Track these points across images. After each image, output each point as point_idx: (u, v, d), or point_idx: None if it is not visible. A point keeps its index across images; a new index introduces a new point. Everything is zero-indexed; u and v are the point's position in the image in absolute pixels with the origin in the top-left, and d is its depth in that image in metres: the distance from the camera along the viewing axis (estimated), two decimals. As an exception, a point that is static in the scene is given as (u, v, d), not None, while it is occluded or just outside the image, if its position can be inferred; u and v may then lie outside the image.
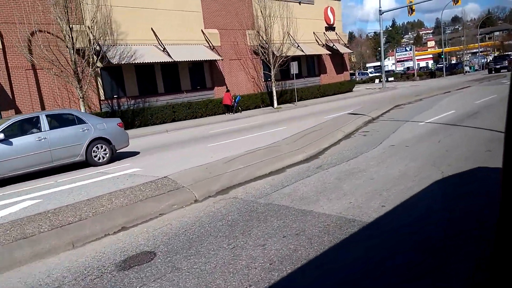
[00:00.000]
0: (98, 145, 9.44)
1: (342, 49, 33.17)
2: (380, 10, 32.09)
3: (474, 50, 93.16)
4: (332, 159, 7.77)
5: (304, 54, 28.72)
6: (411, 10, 31.16)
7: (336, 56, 33.84)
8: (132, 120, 19.96)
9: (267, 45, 25.04)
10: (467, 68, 56.04)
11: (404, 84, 38.97)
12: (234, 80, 25.37)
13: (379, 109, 14.49)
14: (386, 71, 55.75)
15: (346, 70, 35.79)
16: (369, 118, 12.55)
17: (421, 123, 11.08)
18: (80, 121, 9.27)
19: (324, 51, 31.28)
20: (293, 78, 26.97)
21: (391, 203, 4.90)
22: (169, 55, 20.60)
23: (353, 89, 35.42)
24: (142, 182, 6.41)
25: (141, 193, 5.53)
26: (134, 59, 19.40)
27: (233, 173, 6.51)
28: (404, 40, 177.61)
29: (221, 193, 6.05)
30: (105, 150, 9.55)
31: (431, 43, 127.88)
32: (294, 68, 24.59)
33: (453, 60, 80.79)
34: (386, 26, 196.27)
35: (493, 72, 40.43)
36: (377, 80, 47.89)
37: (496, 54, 55.76)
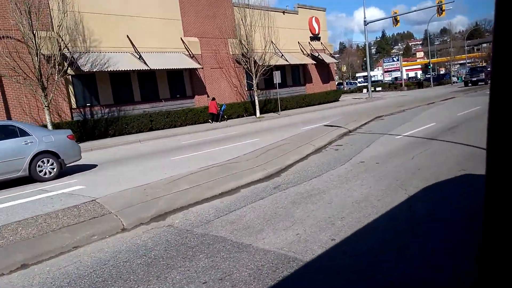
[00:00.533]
0: (44, 159, 8.60)
1: (327, 59, 32.78)
2: (365, 21, 31.85)
3: (463, 61, 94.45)
4: (293, 178, 7.05)
5: (288, 63, 28.23)
6: (395, 21, 30.96)
7: (322, 65, 33.46)
8: (106, 129, 19.11)
9: (248, 54, 24.52)
10: (454, 79, 56.26)
11: (391, 94, 38.71)
12: (216, 89, 24.69)
13: (358, 121, 13.89)
14: (375, 81, 55.90)
15: (332, 79, 35.40)
16: (346, 131, 11.91)
17: (398, 137, 10.45)
18: (23, 133, 8.43)
19: (308, 61, 30.85)
20: (277, 87, 26.42)
21: (343, 234, 4.18)
22: (145, 63, 19.86)
23: (340, 99, 34.99)
24: (71, 204, 5.61)
25: (57, 221, 4.73)
26: (107, 67, 18.60)
27: (175, 195, 5.74)
28: (394, 50, 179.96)
29: (156, 220, 5.27)
30: (52, 164, 8.71)
31: (420, 54, 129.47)
32: (277, 77, 24.02)
33: (442, 70, 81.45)
34: (376, 37, 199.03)
35: (470, 84, 39.52)
36: (365, 90, 47.65)
37: (472, 66, 55.40)
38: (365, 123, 13.75)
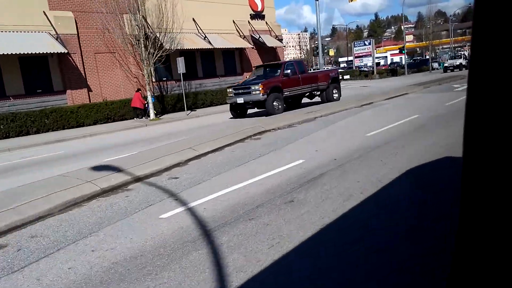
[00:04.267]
0: None
1: (271, 42, 27.12)
2: (316, -6, 26.10)
3: (455, 45, 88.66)
4: None
5: (212, 47, 22.62)
6: (352, -4, 25.32)
7: (268, 51, 27.85)
8: None
9: (154, 35, 18.98)
10: (435, 65, 50.76)
11: (354, 85, 33.19)
12: (104, 81, 19.13)
13: (216, 142, 8.56)
14: (355, 67, 50.02)
15: (281, 67, 29.79)
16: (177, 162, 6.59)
17: (199, 202, 5.15)
18: None
19: (245, 44, 25.21)
20: (196, 77, 21.03)
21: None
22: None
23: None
24: None
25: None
26: None
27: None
28: (386, 34, 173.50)
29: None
30: None
31: (409, 37, 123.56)
32: (180, 65, 18.46)
33: (427, 55, 75.74)
34: (371, 20, 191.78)
35: (448, 71, 36.90)
36: (332, 78, 42.16)
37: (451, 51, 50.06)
38: (220, 148, 8.39)
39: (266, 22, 28.03)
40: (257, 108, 14.91)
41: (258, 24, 27.39)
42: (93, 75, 18.61)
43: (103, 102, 17.91)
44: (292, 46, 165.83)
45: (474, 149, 0.70)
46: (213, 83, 24.31)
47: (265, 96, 13.81)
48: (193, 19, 22.81)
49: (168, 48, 19.73)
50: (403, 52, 41.99)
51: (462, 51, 66.08)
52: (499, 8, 0.60)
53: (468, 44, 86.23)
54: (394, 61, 76.92)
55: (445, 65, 39.63)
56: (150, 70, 21.07)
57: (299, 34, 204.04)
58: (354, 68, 44.50)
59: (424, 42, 51.46)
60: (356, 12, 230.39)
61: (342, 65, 79.56)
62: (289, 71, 15.05)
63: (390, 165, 5.87)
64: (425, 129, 8.86)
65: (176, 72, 22.61)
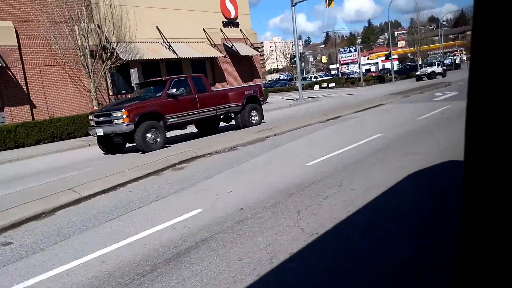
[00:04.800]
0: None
1: (245, 51, 25.53)
2: (292, 0, 24.58)
3: (445, 50, 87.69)
4: None
5: (177, 57, 21.01)
6: (329, 1, 23.76)
7: (243, 60, 26.27)
8: None
9: (111, 45, 17.49)
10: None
11: (339, 93, 31.59)
12: (52, 96, 17.41)
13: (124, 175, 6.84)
14: (341, 74, 48.30)
15: (258, 77, 28.19)
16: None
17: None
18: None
19: (215, 53, 23.60)
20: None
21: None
22: None
23: (267, 100, 27.84)
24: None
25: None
26: None
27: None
28: (379, 40, 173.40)
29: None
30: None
31: (401, 43, 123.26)
32: (134, 76, 16.78)
33: (419, 61, 74.56)
34: (364, 27, 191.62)
35: (424, 78, 35.02)
36: (316, 87, 40.46)
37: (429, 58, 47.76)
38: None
39: (240, 30, 26.47)
40: (128, 142, 10.93)
41: (231, 32, 25.84)
42: (37, 90, 16.89)
43: (48, 119, 16.17)
44: (288, 54, 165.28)
45: (476, 151, 0.69)
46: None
47: (131, 125, 10.00)
48: (157, 28, 21.24)
49: (125, 58, 18.19)
50: (390, 58, 40.49)
51: (452, 56, 64.97)
52: (499, 9, 0.60)
53: (459, 48, 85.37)
54: (385, 67, 75.93)
55: (417, 73, 37.35)
56: (107, 82, 19.50)
57: (292, 42, 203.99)
58: (340, 75, 42.97)
59: (413, 48, 50.17)
60: (351, 19, 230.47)
61: (333, 72, 78.28)
62: (177, 90, 11.22)
63: (307, 223, 4.14)
64: (383, 154, 7.18)
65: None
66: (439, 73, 35.92)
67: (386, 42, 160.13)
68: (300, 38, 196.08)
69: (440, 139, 7.91)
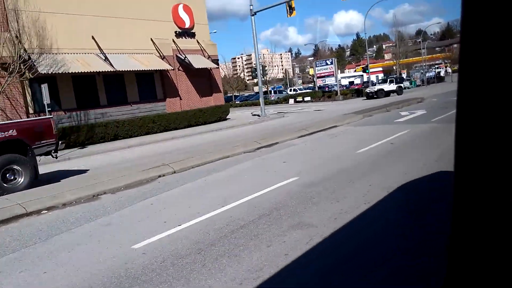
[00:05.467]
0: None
1: (202, 63, 23.19)
2: (251, 10, 22.42)
3: (431, 63, 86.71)
4: None
5: (113, 70, 18.59)
6: (290, 9, 21.66)
7: (201, 73, 23.97)
8: None
9: (30, 57, 15.14)
10: (407, 84, 47.63)
11: (312, 107, 29.32)
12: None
13: None
14: (318, 87, 45.54)
15: (218, 91, 25.82)
16: None
17: None
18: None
19: (163, 66, 21.23)
20: (98, 105, 16.99)
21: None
22: None
23: (229, 117, 25.45)
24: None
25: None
26: None
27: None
28: (368, 52, 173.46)
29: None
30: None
31: (388, 56, 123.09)
32: (44, 94, 14.23)
33: (404, 73, 73.14)
34: (353, 39, 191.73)
35: (375, 96, 31.39)
36: (291, 100, 38.17)
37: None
38: None
39: (197, 41, 24.21)
40: None
41: (186, 43, 23.56)
42: None
43: None
44: (275, 66, 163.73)
45: (466, 156, 0.71)
46: (123, 112, 20.17)
47: None
48: (93, 37, 18.85)
49: (44, 72, 15.75)
50: (367, 71, 38.54)
51: (435, 68, 63.55)
52: (485, 20, 0.62)
53: (444, 61, 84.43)
54: (371, 79, 74.68)
55: (366, 90, 34.14)
56: (26, 99, 17.00)
57: (281, 55, 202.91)
58: (317, 88, 40.83)
59: (392, 62, 48.60)
60: (341, 32, 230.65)
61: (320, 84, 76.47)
62: None
63: None
64: (265, 223, 4.74)
65: (67, 101, 18.51)
66: (392, 91, 32.30)
67: (374, 54, 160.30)
68: (290, 50, 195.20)
69: (364, 191, 5.53)
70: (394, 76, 38.55)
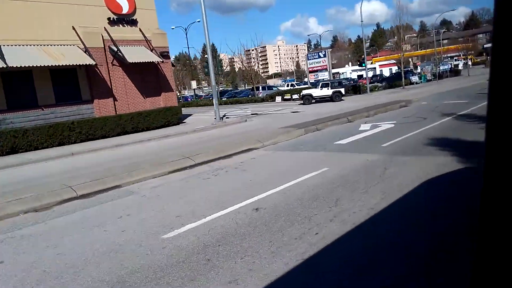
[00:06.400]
0: None
1: (142, 56, 19.02)
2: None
3: (450, 55, 79.59)
4: None
5: (4, 66, 14.76)
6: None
7: (146, 68, 19.94)
8: None
9: None
10: (415, 78, 42.13)
11: (294, 107, 24.79)
12: None
13: None
14: (346, 79, 39.92)
15: (169, 89, 21.64)
16: None
17: None
18: None
19: (87, 60, 17.23)
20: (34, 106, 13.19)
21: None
22: None
23: (185, 121, 21.32)
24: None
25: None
26: None
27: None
28: (388, 43, 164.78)
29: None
30: None
31: (406, 47, 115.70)
32: None
33: (418, 65, 66.66)
34: (373, 30, 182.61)
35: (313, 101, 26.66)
36: (278, 98, 33.58)
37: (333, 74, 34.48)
38: None
39: (140, 30, 20.13)
40: None
41: (124, 32, 19.53)
42: None
43: None
44: (290, 58, 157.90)
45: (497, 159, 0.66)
46: (30, 117, 16.40)
47: None
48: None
49: None
50: (363, 65, 33.42)
51: (452, 61, 57.32)
52: None
53: (464, 52, 76.82)
54: (383, 73, 69.05)
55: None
56: None
57: (296, 46, 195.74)
58: (309, 84, 36.05)
59: (397, 55, 43.19)
60: (364, 23, 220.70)
61: (336, 77, 71.04)
62: None
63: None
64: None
65: None
66: (322, 97, 26.78)
67: (394, 45, 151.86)
68: (309, 42, 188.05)
69: None
70: (337, 78, 33.24)
